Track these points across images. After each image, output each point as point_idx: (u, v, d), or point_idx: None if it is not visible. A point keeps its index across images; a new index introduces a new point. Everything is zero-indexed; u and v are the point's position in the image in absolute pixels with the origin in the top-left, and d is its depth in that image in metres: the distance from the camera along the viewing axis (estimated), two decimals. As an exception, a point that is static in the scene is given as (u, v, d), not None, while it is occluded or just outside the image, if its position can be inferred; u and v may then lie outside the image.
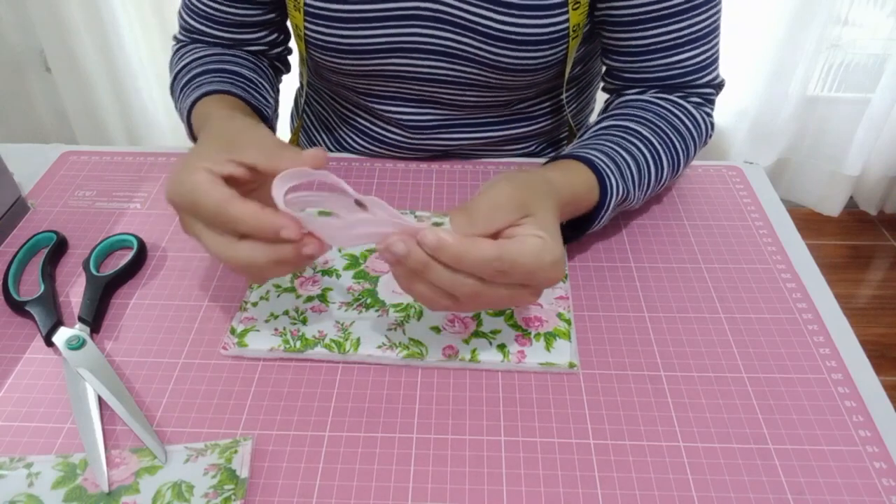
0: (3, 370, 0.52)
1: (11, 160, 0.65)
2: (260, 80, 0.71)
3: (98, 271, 0.58)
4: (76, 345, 0.52)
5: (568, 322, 0.54)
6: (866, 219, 1.94)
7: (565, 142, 0.81)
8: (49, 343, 0.53)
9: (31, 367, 0.52)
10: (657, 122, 0.63)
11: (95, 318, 0.54)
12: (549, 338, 0.53)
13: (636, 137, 0.61)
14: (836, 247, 1.85)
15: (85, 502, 0.42)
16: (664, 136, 0.63)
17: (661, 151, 0.62)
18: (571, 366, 0.51)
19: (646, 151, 0.61)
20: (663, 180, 0.63)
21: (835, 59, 1.74)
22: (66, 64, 1.64)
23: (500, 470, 0.45)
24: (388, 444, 0.46)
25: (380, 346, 0.52)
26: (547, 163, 0.59)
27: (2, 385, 0.50)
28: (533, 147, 0.78)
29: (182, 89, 0.68)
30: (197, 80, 0.67)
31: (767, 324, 0.55)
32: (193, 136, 0.66)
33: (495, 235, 0.45)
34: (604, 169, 0.57)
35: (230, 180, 0.46)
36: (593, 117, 0.87)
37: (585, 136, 0.63)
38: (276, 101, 0.75)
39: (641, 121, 0.63)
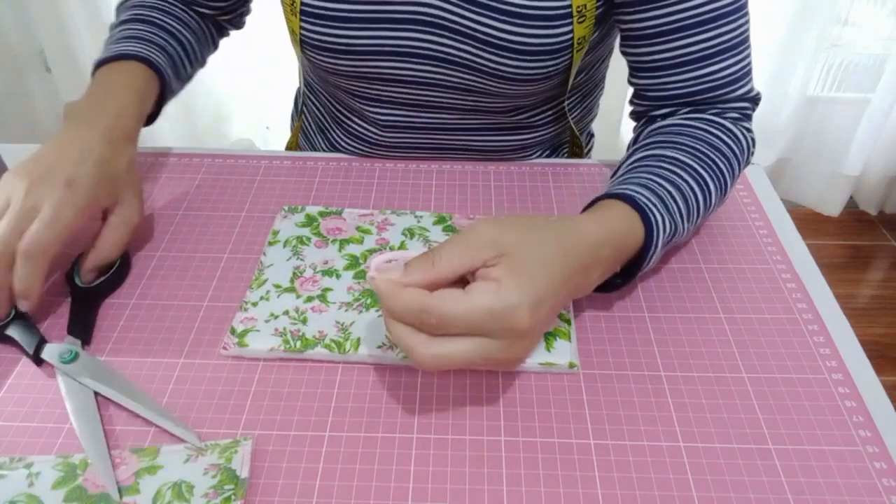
0: (3, 370, 0.52)
1: (11, 160, 0.65)
2: (192, 48, 0.73)
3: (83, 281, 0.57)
4: (69, 357, 0.51)
5: (568, 322, 0.54)
6: (866, 219, 1.94)
7: (566, 148, 0.80)
8: (39, 362, 0.52)
9: (31, 367, 0.52)
10: (696, 144, 0.58)
11: (84, 330, 0.54)
12: (549, 338, 0.53)
13: (676, 166, 0.56)
14: (836, 247, 1.85)
15: (85, 502, 0.42)
16: (707, 160, 0.57)
17: (706, 177, 0.57)
18: (571, 366, 0.51)
19: (690, 180, 0.56)
20: (712, 208, 0.58)
21: (835, 59, 1.74)
22: (66, 64, 1.64)
23: (500, 470, 0.45)
24: (388, 444, 0.46)
25: (380, 346, 0.52)
26: (584, 209, 0.54)
27: (2, 385, 0.50)
28: (537, 154, 0.78)
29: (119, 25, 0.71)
30: (132, 28, 0.69)
31: (767, 324, 0.55)
32: (94, 70, 0.67)
33: (470, 276, 0.43)
34: (646, 204, 0.51)
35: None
36: (595, 124, 0.86)
37: (619, 173, 0.59)
38: (202, 58, 0.78)
39: (679, 146, 0.58)
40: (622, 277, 0.54)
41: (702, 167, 0.57)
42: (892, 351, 1.57)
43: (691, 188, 0.56)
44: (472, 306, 0.41)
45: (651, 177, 0.55)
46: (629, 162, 0.59)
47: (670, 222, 0.53)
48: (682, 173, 0.56)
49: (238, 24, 0.81)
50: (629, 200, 0.52)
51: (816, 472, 0.45)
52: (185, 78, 0.74)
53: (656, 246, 0.52)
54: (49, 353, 0.51)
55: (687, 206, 0.55)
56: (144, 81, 0.65)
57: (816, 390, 0.50)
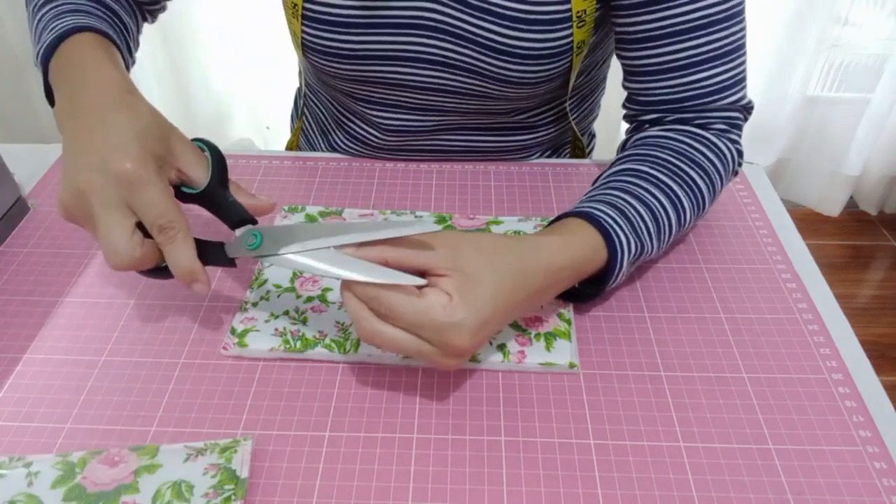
0: (3, 370, 0.52)
1: (11, 160, 0.65)
2: (132, 27, 0.66)
3: None
4: (256, 243, 0.48)
5: (568, 322, 0.54)
6: (866, 219, 1.94)
7: (568, 149, 0.80)
8: (233, 264, 0.50)
9: (31, 367, 0.52)
10: (674, 160, 0.58)
11: (239, 214, 0.50)
12: (550, 338, 0.53)
13: (651, 183, 0.57)
14: (836, 247, 1.85)
15: (84, 501, 0.42)
16: (683, 177, 0.58)
17: (679, 194, 0.57)
18: (571, 366, 0.51)
19: (663, 198, 0.56)
20: (686, 224, 0.58)
21: (835, 59, 1.74)
22: (66, 64, 1.64)
23: (500, 470, 0.45)
24: (388, 444, 0.46)
25: (380, 346, 0.52)
26: (550, 223, 0.56)
27: (2, 385, 0.51)
28: (539, 155, 0.78)
29: (49, 4, 0.60)
30: (71, 2, 0.60)
31: (767, 324, 0.55)
32: (48, 54, 0.56)
33: (423, 275, 0.44)
34: (611, 226, 0.52)
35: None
36: (596, 123, 0.86)
37: (596, 184, 0.59)
38: (138, 44, 0.70)
39: (656, 162, 0.58)
40: (593, 286, 0.54)
41: (677, 185, 0.57)
42: (892, 351, 1.57)
43: (663, 207, 0.56)
44: (419, 311, 0.43)
45: (621, 195, 0.55)
46: (607, 174, 0.60)
47: (636, 243, 0.53)
48: (656, 191, 0.56)
49: (154, 17, 0.75)
50: (595, 222, 0.52)
51: (816, 472, 0.45)
52: (129, 63, 0.65)
53: (620, 266, 0.53)
54: (232, 249, 0.49)
55: (657, 225, 0.55)
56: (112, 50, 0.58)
57: (816, 390, 0.50)
